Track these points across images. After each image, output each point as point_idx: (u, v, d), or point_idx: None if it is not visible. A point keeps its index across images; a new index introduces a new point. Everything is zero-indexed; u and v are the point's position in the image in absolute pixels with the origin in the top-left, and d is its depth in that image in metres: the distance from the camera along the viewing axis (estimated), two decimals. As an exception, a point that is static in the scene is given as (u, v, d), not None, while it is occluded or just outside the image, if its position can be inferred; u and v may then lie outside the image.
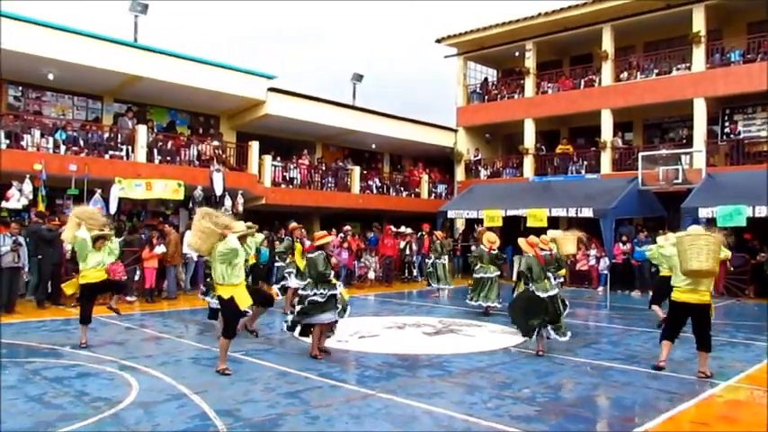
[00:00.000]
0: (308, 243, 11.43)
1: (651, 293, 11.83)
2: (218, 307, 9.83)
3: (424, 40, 52.43)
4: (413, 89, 45.88)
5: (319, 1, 54.32)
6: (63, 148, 15.30)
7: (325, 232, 9.20)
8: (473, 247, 15.56)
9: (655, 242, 10.64)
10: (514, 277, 16.40)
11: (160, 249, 14.14)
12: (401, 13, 57.11)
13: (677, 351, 8.73)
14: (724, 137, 20.10)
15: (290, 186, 20.55)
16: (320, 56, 54.47)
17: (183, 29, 46.54)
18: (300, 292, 8.66)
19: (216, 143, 18.79)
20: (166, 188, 15.68)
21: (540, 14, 22.05)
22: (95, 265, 8.92)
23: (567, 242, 11.52)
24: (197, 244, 7.50)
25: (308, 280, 8.48)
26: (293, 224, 12.61)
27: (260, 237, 10.67)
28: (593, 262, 19.15)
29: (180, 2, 42.03)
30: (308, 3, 54.46)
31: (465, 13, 52.88)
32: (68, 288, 9.26)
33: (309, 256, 8.58)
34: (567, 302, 11.31)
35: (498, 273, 13.21)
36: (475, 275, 13.16)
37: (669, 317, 8.04)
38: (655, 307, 11.30)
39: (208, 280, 9.99)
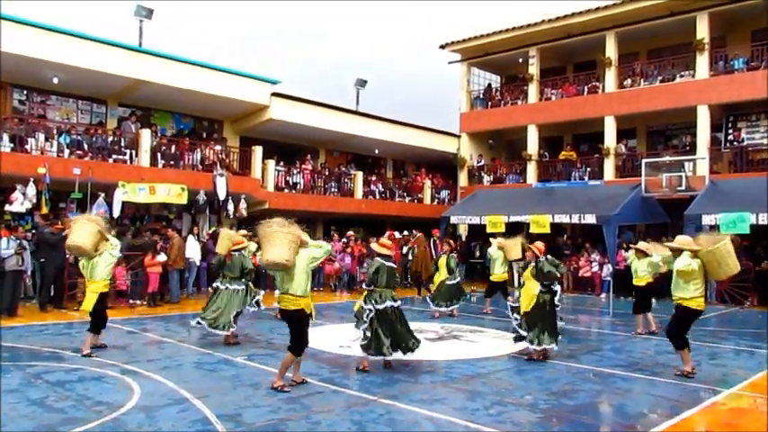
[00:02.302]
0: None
1: (636, 302, 11.77)
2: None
3: (428, 44, 52.70)
4: (416, 94, 45.98)
5: (322, 2, 54.55)
6: (67, 151, 15.34)
7: (387, 241, 8.81)
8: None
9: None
10: (516, 284, 16.62)
11: (161, 258, 14.15)
12: (404, 20, 57.29)
13: (680, 359, 8.70)
14: (727, 144, 20.08)
15: (293, 191, 20.57)
16: (322, 59, 54.68)
17: (186, 32, 46.74)
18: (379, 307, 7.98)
19: (219, 147, 18.83)
20: (170, 192, 15.74)
21: (543, 21, 22.08)
22: (104, 276, 8.79)
23: (513, 248, 13.51)
24: (292, 257, 6.82)
25: (377, 288, 8.00)
26: None
27: (253, 245, 10.65)
28: (595, 268, 19.10)
29: (183, 2, 42.18)
30: (310, 5, 54.69)
31: (469, 18, 52.97)
32: (87, 306, 9.13)
33: (388, 264, 8.12)
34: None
35: (458, 279, 13.61)
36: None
37: (685, 325, 7.97)
38: (647, 315, 11.51)
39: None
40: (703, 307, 7.85)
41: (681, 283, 7.78)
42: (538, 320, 8.78)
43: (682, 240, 7.87)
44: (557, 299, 8.93)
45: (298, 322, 7.04)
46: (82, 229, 8.60)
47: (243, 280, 9.91)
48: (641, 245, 11.60)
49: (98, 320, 8.79)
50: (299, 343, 7.02)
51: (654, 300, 12.30)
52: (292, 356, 6.99)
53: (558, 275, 9.09)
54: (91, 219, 9.07)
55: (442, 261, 13.75)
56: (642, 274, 11.36)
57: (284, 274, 6.95)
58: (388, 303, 7.97)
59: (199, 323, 9.73)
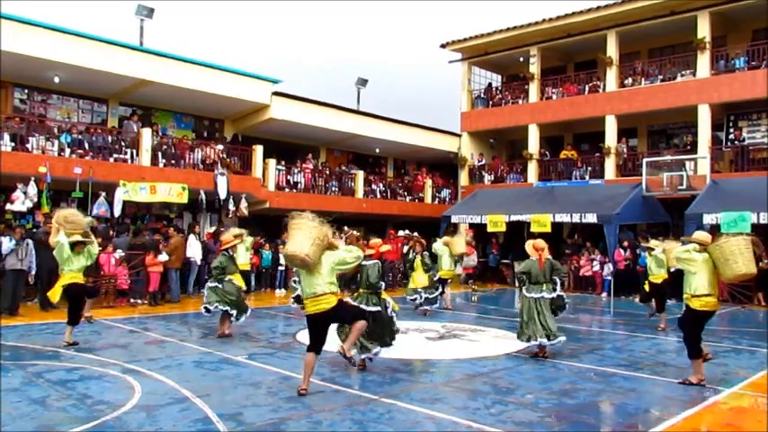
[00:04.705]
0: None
1: (654, 300, 12.08)
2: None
3: (429, 43, 52.68)
4: (417, 94, 45.94)
5: (323, 2, 54.54)
6: (68, 150, 15.34)
7: (380, 240, 8.58)
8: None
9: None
10: (517, 282, 16.56)
11: (163, 258, 14.17)
12: (405, 19, 57.27)
13: (681, 358, 8.71)
14: (728, 143, 20.06)
15: (294, 190, 20.57)
16: (323, 58, 54.68)
17: (186, 31, 46.73)
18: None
19: (220, 147, 18.83)
20: (170, 192, 15.74)
21: (544, 20, 22.05)
22: (79, 269, 9.06)
23: (457, 243, 14.84)
24: (315, 254, 6.52)
25: (360, 290, 7.99)
26: None
27: (250, 239, 11.01)
28: (597, 268, 19.09)
29: (184, 2, 42.19)
30: (310, 5, 54.68)
31: (470, 17, 52.98)
32: (53, 296, 9.26)
33: (364, 263, 7.87)
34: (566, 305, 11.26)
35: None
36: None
37: (698, 328, 7.61)
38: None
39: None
40: (709, 307, 7.46)
41: (687, 278, 7.61)
42: (543, 317, 8.90)
43: (699, 235, 7.74)
44: (555, 293, 9.12)
45: (320, 325, 6.77)
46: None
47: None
48: (652, 243, 11.86)
49: (73, 313, 9.01)
50: (350, 318, 6.91)
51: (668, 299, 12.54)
52: (313, 356, 6.71)
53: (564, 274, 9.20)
54: (75, 221, 9.10)
55: (418, 261, 13.81)
56: (656, 271, 11.71)
57: (307, 273, 6.65)
58: (369, 307, 7.74)
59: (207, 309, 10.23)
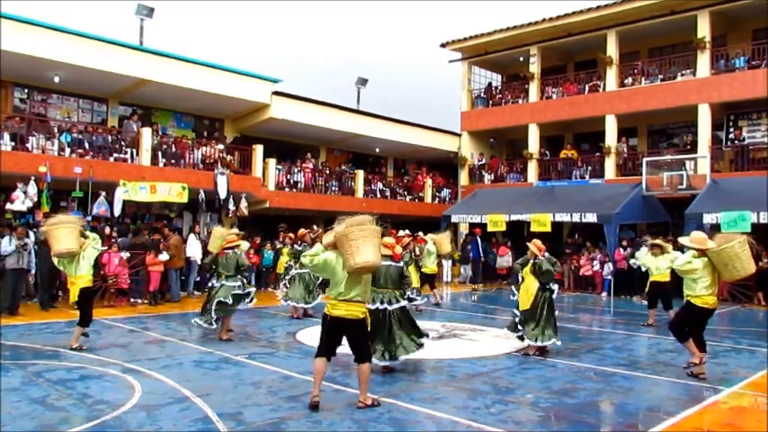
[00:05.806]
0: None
1: (660, 299, 12.16)
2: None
3: (429, 43, 52.68)
4: (417, 93, 45.92)
5: (323, 1, 54.53)
6: (68, 150, 15.34)
7: (393, 240, 8.33)
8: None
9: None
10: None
11: (164, 257, 14.17)
12: (405, 19, 57.26)
13: (681, 356, 8.71)
14: (728, 143, 20.05)
15: (294, 190, 20.56)
16: (323, 58, 54.67)
17: (186, 31, 46.72)
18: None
19: (220, 146, 18.82)
20: (170, 191, 15.73)
21: (544, 20, 22.05)
22: (88, 270, 8.92)
23: (444, 242, 15.26)
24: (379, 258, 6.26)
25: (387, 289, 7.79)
26: (302, 230, 12.79)
27: (246, 244, 10.96)
28: (597, 267, 19.08)
29: (184, 1, 42.17)
30: (310, 4, 54.66)
31: (470, 16, 52.95)
32: (72, 296, 9.24)
33: (387, 264, 7.64)
34: None
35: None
36: None
37: (692, 321, 7.85)
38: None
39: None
40: (712, 305, 7.68)
41: (689, 282, 7.76)
42: (538, 317, 8.87)
43: (695, 237, 7.80)
44: (554, 296, 9.15)
45: (342, 331, 6.33)
46: (67, 236, 8.61)
47: (238, 276, 10.07)
48: (659, 241, 11.88)
49: (84, 316, 8.90)
50: (363, 352, 6.37)
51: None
52: (367, 365, 6.34)
53: (556, 273, 9.17)
54: (67, 220, 8.95)
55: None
56: (665, 270, 11.65)
57: (349, 276, 6.17)
58: (381, 305, 7.64)
59: (197, 323, 9.91)
